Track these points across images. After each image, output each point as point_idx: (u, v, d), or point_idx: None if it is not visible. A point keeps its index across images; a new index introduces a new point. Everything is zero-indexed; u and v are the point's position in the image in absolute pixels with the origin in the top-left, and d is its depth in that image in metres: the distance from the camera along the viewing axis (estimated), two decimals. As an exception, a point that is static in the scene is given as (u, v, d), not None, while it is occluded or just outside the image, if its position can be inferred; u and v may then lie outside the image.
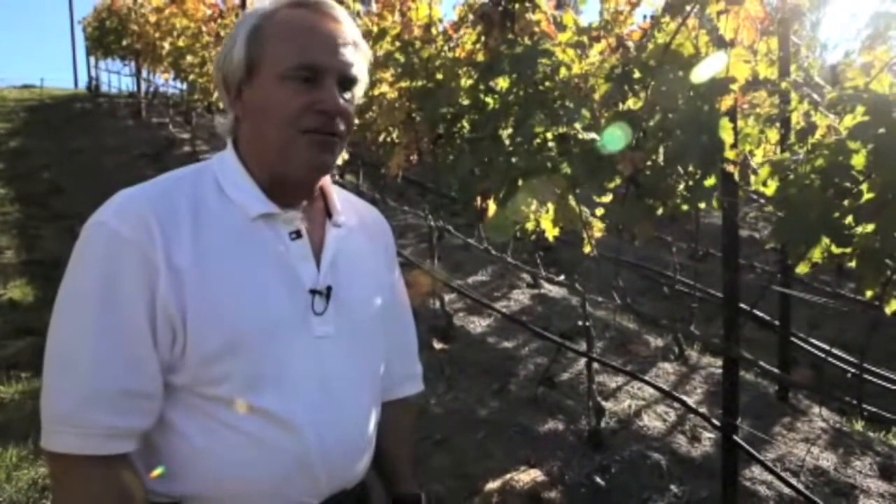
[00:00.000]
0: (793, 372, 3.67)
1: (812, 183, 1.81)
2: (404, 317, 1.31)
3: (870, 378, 3.81)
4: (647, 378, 3.23)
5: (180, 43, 8.55)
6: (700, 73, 2.02)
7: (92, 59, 15.29)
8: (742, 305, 2.47)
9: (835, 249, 1.83)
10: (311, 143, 1.02)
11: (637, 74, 2.24)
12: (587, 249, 2.71)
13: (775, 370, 3.09)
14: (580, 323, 3.19)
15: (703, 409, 2.90)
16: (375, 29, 3.94)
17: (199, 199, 1.03)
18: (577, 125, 2.46)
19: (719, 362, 3.28)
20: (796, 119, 3.02)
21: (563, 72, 2.59)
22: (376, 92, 4.05)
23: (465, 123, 3.22)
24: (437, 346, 3.95)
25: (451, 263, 5.31)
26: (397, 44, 3.70)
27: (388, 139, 4.24)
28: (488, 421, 3.24)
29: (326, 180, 1.15)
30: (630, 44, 2.38)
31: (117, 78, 18.55)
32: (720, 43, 2.07)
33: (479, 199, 3.08)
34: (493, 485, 2.72)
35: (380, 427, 1.19)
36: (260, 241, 1.04)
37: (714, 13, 2.04)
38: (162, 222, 0.97)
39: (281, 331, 1.01)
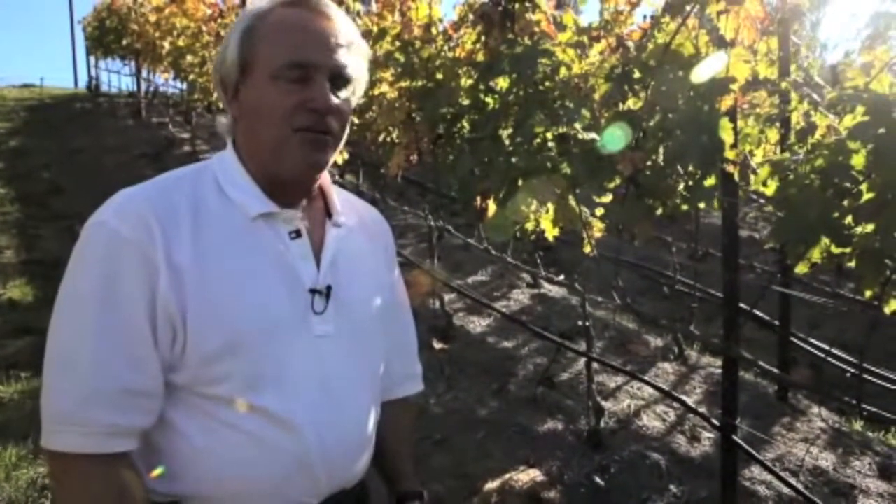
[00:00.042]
0: (792, 372, 3.68)
1: (812, 183, 1.81)
2: (404, 317, 1.31)
3: (869, 378, 3.81)
4: (646, 378, 3.23)
5: (180, 42, 8.55)
6: (700, 73, 2.02)
7: (92, 59, 15.32)
8: (742, 305, 2.47)
9: (834, 249, 1.83)
10: (304, 142, 1.02)
11: (637, 74, 2.24)
12: (587, 249, 2.71)
13: (775, 370, 3.10)
14: (580, 323, 3.19)
15: (702, 409, 2.90)
16: (375, 29, 3.94)
17: (199, 198, 1.03)
18: (577, 125, 2.46)
19: (719, 362, 3.28)
20: (796, 119, 3.02)
21: (563, 72, 2.59)
22: (376, 92, 4.05)
23: (465, 123, 3.22)
24: (437, 345, 3.95)
25: (450, 263, 5.31)
26: (397, 44, 3.70)
27: (388, 139, 4.24)
28: (488, 421, 3.24)
29: (326, 180, 1.15)
30: (630, 44, 2.38)
31: (117, 77, 18.55)
32: (720, 43, 2.07)
33: (479, 198, 3.08)
34: (492, 484, 2.72)
35: (380, 426, 1.19)
36: (260, 241, 1.04)
37: (714, 13, 2.04)
38: (162, 222, 0.97)
39: (281, 330, 1.01)
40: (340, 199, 1.17)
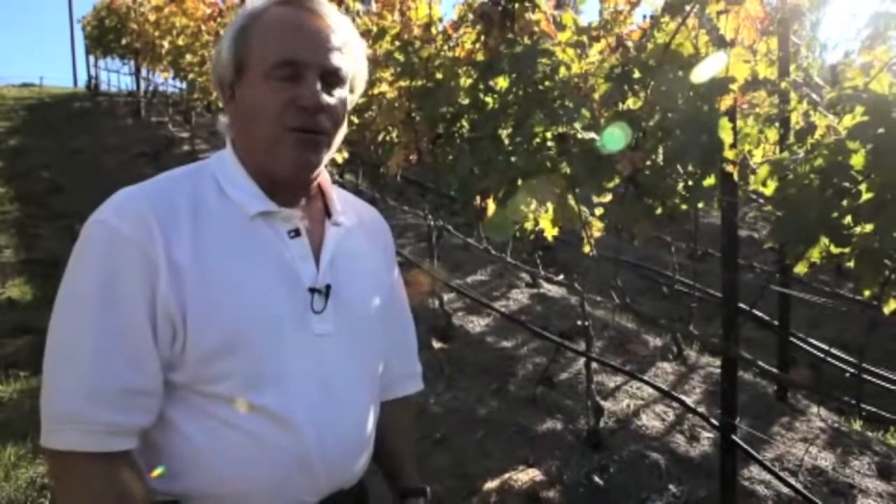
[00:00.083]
0: (791, 372, 3.68)
1: (811, 183, 1.82)
2: (403, 316, 1.31)
3: (868, 378, 3.81)
4: (645, 378, 3.23)
5: (180, 42, 8.55)
6: (700, 73, 2.02)
7: (91, 58, 15.30)
8: (741, 305, 2.48)
9: (833, 249, 1.83)
10: (297, 143, 1.02)
11: (637, 74, 2.24)
12: (586, 249, 2.71)
13: (774, 370, 3.10)
14: (579, 322, 3.19)
15: (701, 409, 2.90)
16: (375, 28, 3.93)
17: (199, 197, 1.03)
18: (577, 125, 2.46)
19: (718, 362, 3.28)
20: (795, 119, 3.02)
21: (562, 71, 2.59)
22: (376, 91, 4.05)
23: (465, 123, 3.22)
24: (437, 345, 3.95)
25: (450, 263, 5.31)
26: (397, 43, 3.70)
27: (388, 139, 4.23)
28: (487, 420, 3.24)
29: (326, 180, 1.16)
30: (630, 43, 2.38)
31: (117, 77, 18.59)
32: (720, 43, 2.07)
33: (478, 198, 3.08)
34: (491, 484, 2.72)
35: (381, 425, 1.19)
36: (259, 240, 1.04)
37: (714, 13, 2.04)
38: (162, 221, 0.97)
39: (280, 329, 1.01)
40: (340, 198, 1.17)
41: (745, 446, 2.43)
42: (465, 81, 3.25)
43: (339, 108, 1.06)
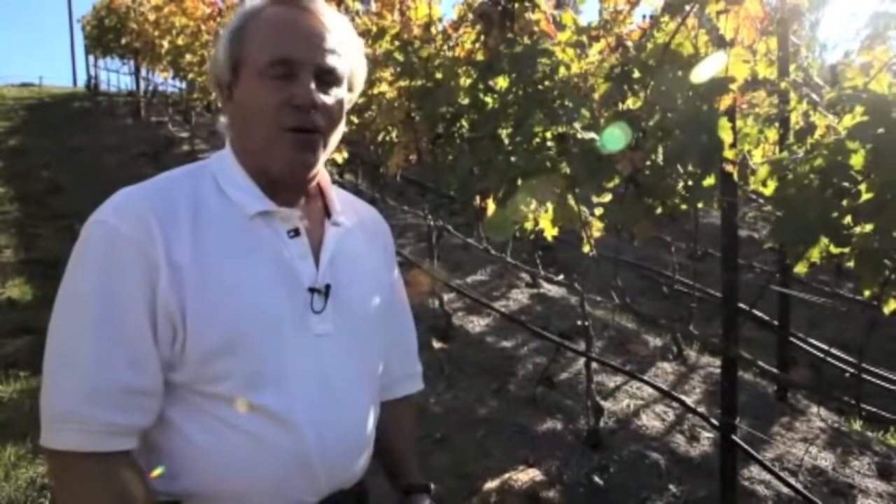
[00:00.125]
0: (791, 372, 3.68)
1: (811, 183, 1.82)
2: (404, 316, 1.31)
3: (868, 378, 3.81)
4: (645, 378, 3.23)
5: (179, 41, 8.55)
6: (699, 73, 2.02)
7: (91, 58, 15.30)
8: (741, 305, 2.48)
9: (833, 249, 1.83)
10: (293, 143, 1.02)
11: (636, 74, 2.24)
12: (586, 249, 2.71)
13: (774, 370, 3.10)
14: (579, 322, 3.19)
15: (701, 409, 2.90)
16: (374, 28, 3.93)
17: (199, 197, 1.03)
18: (577, 125, 2.46)
19: (718, 362, 3.28)
20: (795, 119, 3.02)
21: (562, 71, 2.59)
22: (375, 91, 4.05)
23: (465, 123, 3.22)
24: (437, 345, 3.95)
25: (450, 263, 5.31)
26: (396, 43, 3.70)
27: (388, 138, 4.23)
28: (487, 420, 3.24)
29: (325, 180, 1.16)
30: (629, 43, 2.38)
31: (116, 76, 18.57)
32: (720, 43, 2.07)
33: (478, 198, 3.09)
34: (491, 484, 2.72)
35: (382, 424, 1.20)
36: (258, 239, 1.04)
37: (713, 13, 2.04)
38: (161, 221, 0.97)
39: (280, 329, 1.01)
40: (339, 198, 1.17)
41: (745, 446, 2.43)
42: (465, 81, 3.25)
43: (335, 107, 1.06)
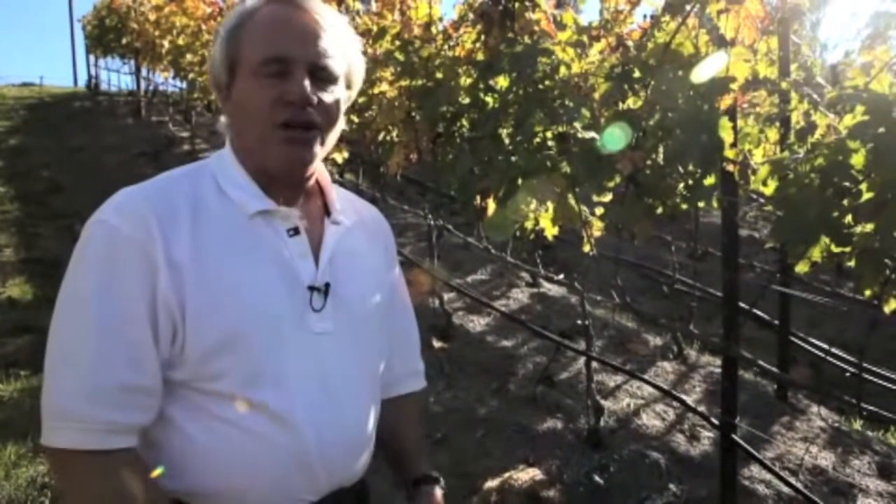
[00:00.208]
0: (792, 371, 3.68)
1: (811, 182, 1.82)
2: (405, 315, 1.31)
3: (869, 377, 3.81)
4: (646, 377, 3.23)
5: (180, 41, 8.55)
6: (700, 73, 2.02)
7: (91, 58, 15.28)
8: (741, 304, 2.48)
9: (834, 249, 1.83)
10: (287, 140, 1.02)
11: (637, 74, 2.24)
12: (587, 248, 2.71)
13: (774, 369, 3.10)
14: (579, 322, 3.19)
15: (702, 408, 2.90)
16: (375, 28, 3.93)
17: (198, 197, 1.03)
18: (577, 124, 2.46)
19: (718, 361, 3.29)
20: (796, 118, 3.02)
21: (562, 71, 2.59)
22: (376, 91, 4.05)
23: (465, 122, 3.22)
24: (437, 344, 3.95)
25: (450, 262, 5.31)
26: (397, 43, 3.70)
27: (388, 138, 4.23)
28: (487, 419, 3.24)
29: (325, 179, 1.16)
30: (630, 43, 2.38)
31: (117, 76, 18.59)
32: (720, 42, 2.07)
33: (478, 197, 3.09)
34: (492, 483, 2.72)
35: (388, 421, 1.20)
36: (258, 238, 1.04)
37: (714, 12, 2.04)
38: (161, 220, 0.98)
39: (279, 327, 1.01)
40: (340, 197, 1.17)
41: (746, 446, 2.43)
42: (466, 81, 3.25)
43: (331, 104, 1.05)
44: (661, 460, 2.86)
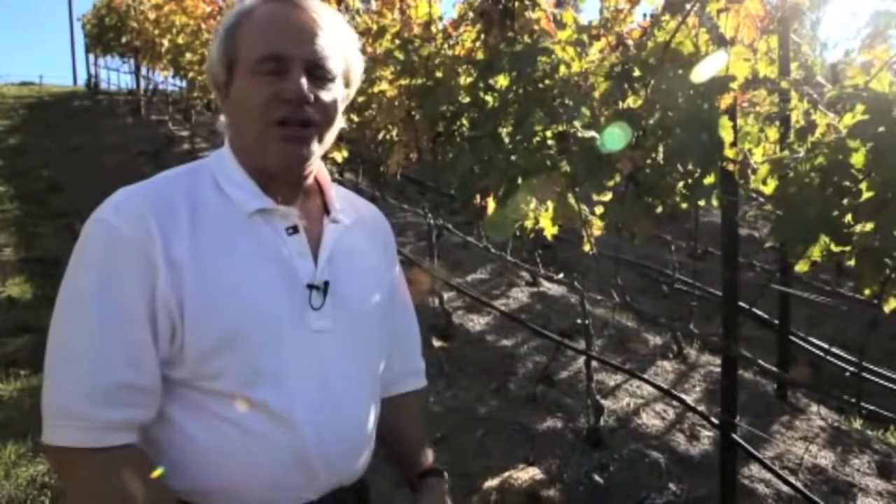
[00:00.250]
0: (792, 370, 3.68)
1: (811, 181, 1.82)
2: (406, 313, 1.31)
3: (868, 377, 3.81)
4: (645, 376, 3.23)
5: (180, 40, 8.55)
6: (700, 72, 2.02)
7: (91, 57, 15.29)
8: (741, 304, 2.47)
9: (834, 248, 1.83)
10: (285, 137, 1.02)
11: (637, 73, 2.24)
12: (586, 248, 2.71)
13: (774, 369, 3.10)
14: (579, 321, 3.19)
15: (701, 408, 2.90)
16: (375, 27, 3.93)
17: (197, 196, 1.03)
18: (577, 123, 2.46)
19: (718, 361, 3.28)
20: (796, 117, 3.02)
21: (562, 70, 2.59)
22: (375, 90, 4.05)
23: (465, 121, 3.22)
24: (437, 344, 3.95)
25: (450, 261, 5.31)
26: (397, 42, 3.70)
27: (388, 137, 4.24)
28: (487, 419, 3.24)
29: (325, 178, 1.16)
30: (630, 42, 2.38)
31: (116, 75, 18.58)
32: (720, 41, 2.07)
33: (478, 197, 3.09)
34: (492, 483, 2.72)
35: (390, 419, 1.20)
36: (257, 237, 1.04)
37: (714, 11, 2.04)
38: (160, 219, 0.98)
39: (278, 326, 1.01)
40: (339, 196, 1.17)
41: (746, 445, 2.43)
42: (465, 80, 3.25)
43: (328, 102, 1.05)
44: (661, 460, 2.86)
